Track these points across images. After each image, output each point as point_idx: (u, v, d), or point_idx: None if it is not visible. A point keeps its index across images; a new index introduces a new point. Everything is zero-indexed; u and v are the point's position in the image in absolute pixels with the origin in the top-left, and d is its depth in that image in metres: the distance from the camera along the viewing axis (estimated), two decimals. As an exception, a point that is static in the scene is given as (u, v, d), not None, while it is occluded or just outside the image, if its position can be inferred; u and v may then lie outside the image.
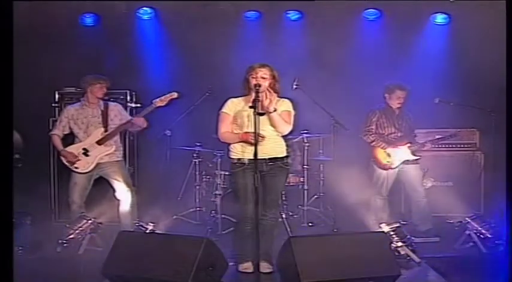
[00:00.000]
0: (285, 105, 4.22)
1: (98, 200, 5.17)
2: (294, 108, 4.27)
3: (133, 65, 6.63)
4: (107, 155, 5.10)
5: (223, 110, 4.23)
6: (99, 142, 5.06)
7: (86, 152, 5.06)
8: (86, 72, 5.36)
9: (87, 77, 5.16)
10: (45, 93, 6.11)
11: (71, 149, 5.09)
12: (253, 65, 4.12)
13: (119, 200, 5.15)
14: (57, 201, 6.05)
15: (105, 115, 5.13)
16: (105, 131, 5.09)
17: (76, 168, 5.06)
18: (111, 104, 5.27)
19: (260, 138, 3.85)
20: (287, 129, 4.16)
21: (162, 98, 4.99)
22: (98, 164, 5.09)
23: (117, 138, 5.22)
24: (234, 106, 4.21)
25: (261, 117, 3.77)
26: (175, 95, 5.03)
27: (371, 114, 5.42)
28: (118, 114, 5.21)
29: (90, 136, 5.08)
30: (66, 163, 5.10)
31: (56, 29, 6.43)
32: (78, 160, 5.04)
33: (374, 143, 5.37)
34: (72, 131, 5.15)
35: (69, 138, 5.20)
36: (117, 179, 5.14)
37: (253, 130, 3.69)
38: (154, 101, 5.00)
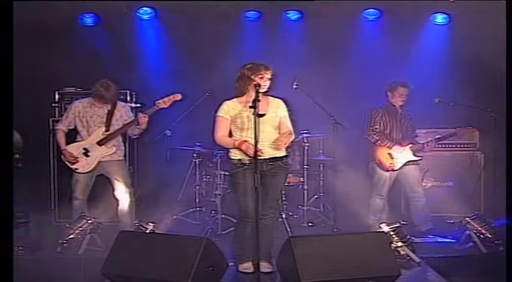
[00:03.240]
0: (282, 108, 4.25)
1: (99, 198, 5.18)
2: (289, 109, 4.31)
3: (133, 65, 6.62)
4: (108, 154, 5.09)
5: (220, 113, 4.20)
6: (100, 142, 5.04)
7: (86, 152, 5.04)
8: (86, 72, 5.36)
9: (97, 83, 5.02)
10: (45, 93, 6.11)
11: (71, 148, 5.05)
12: (258, 66, 4.11)
13: (117, 200, 5.15)
14: (57, 201, 6.04)
15: (110, 115, 5.09)
16: (106, 130, 5.06)
17: (76, 168, 5.06)
18: (120, 104, 5.22)
19: (259, 153, 3.81)
20: (292, 139, 4.21)
21: (166, 99, 4.91)
22: (99, 162, 5.08)
23: (118, 137, 5.19)
24: (231, 109, 4.19)
25: (260, 118, 3.77)
26: (179, 96, 4.94)
27: (374, 113, 5.40)
28: (124, 115, 5.16)
29: (91, 135, 5.06)
30: (67, 162, 5.10)
31: (56, 29, 6.43)
32: (77, 162, 5.03)
33: (379, 142, 5.34)
34: (76, 127, 5.13)
35: (73, 134, 5.19)
36: (117, 179, 5.13)
37: (252, 130, 3.69)
38: (157, 102, 4.93)
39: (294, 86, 5.48)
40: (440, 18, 6.81)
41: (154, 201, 5.83)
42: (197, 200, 6.31)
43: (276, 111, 4.19)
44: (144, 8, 6.79)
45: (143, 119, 4.94)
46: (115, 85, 5.08)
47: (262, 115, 3.80)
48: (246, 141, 4.03)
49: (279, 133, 4.18)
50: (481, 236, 4.74)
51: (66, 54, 6.33)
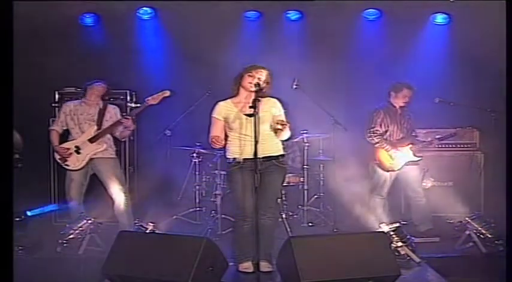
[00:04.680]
0: (276, 107, 4.26)
1: (98, 198, 5.18)
2: (284, 108, 4.32)
3: (133, 65, 6.62)
4: (99, 152, 5.12)
5: (214, 115, 4.26)
6: (91, 140, 5.09)
7: (77, 150, 5.09)
8: (86, 72, 5.36)
9: (88, 82, 5.24)
10: (45, 93, 6.12)
11: (64, 146, 5.12)
12: (253, 66, 4.15)
13: (113, 199, 5.16)
14: (57, 201, 6.04)
15: (101, 114, 5.17)
16: (98, 129, 5.12)
17: (67, 165, 5.10)
18: (110, 106, 5.31)
19: (221, 141, 4.01)
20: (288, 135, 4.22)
21: (154, 96, 5.02)
22: (91, 160, 5.12)
23: (109, 136, 5.25)
24: (224, 110, 4.21)
25: (251, 117, 3.77)
26: (167, 93, 5.04)
27: (375, 115, 5.37)
28: (114, 116, 5.24)
29: (84, 133, 5.12)
30: (59, 160, 5.14)
31: (56, 29, 6.43)
32: (70, 156, 5.07)
33: (379, 144, 5.33)
34: (67, 126, 5.19)
35: (66, 134, 5.24)
36: (109, 177, 5.15)
37: (251, 130, 3.73)
38: (146, 99, 5.04)
39: (294, 86, 5.48)
40: (440, 18, 6.81)
41: (154, 201, 5.82)
42: (197, 200, 6.31)
43: (269, 109, 4.19)
44: (144, 8, 6.80)
45: (126, 122, 5.05)
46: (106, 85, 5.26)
47: (251, 115, 3.79)
48: (215, 136, 4.08)
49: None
50: (481, 236, 4.75)
51: (66, 54, 6.34)
